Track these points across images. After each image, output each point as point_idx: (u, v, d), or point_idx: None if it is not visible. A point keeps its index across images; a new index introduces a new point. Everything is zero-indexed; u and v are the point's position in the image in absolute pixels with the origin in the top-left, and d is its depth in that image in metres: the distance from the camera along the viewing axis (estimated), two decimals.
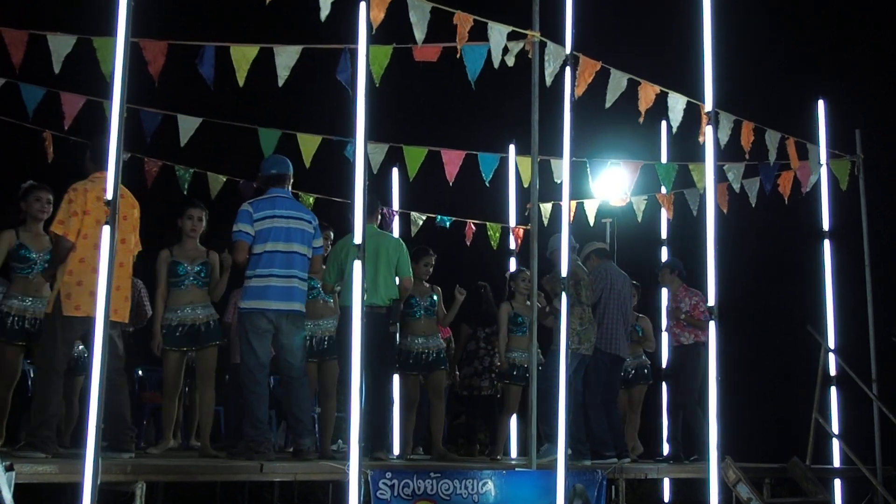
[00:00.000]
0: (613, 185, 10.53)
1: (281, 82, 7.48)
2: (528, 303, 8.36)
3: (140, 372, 10.75)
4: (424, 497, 6.59)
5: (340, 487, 6.14)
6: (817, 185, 9.89)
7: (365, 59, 6.33)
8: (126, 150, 9.30)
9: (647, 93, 8.16)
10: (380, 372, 7.91)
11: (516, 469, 7.50)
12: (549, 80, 7.62)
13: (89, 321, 6.25)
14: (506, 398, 9.61)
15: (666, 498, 9.86)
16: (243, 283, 7.31)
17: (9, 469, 5.12)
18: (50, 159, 9.67)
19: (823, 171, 9.86)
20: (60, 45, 7.38)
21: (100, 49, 7.21)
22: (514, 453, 10.21)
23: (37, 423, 6.34)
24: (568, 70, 7.41)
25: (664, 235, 10.79)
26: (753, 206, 10.07)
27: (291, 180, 7.59)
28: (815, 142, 9.81)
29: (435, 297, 9.05)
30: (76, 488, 5.12)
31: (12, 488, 5.08)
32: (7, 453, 6.08)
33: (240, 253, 7.18)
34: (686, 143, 9.23)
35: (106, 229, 5.38)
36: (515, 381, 9.39)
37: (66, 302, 6.41)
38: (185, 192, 9.85)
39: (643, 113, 8.17)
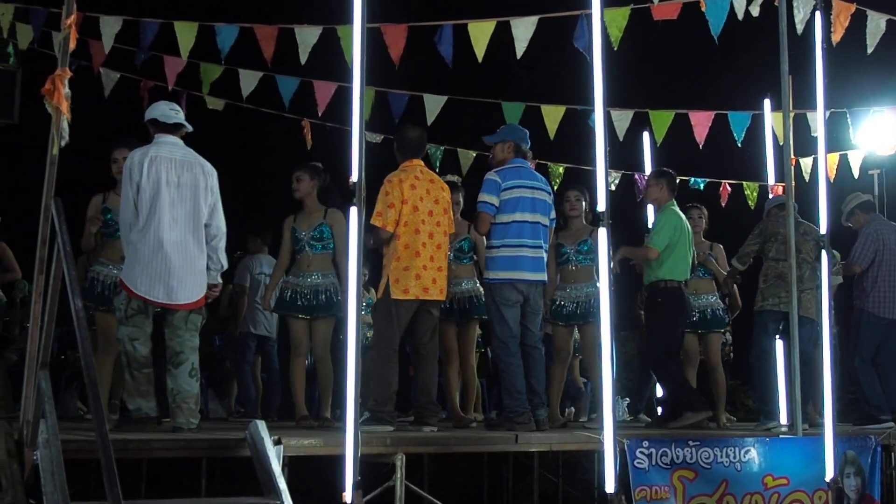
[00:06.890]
0: (879, 133, 9.88)
1: (519, 54, 7.51)
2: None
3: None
4: (684, 465, 6.45)
5: (602, 457, 6.08)
6: None
7: (600, 24, 6.22)
8: (378, 132, 9.73)
9: None
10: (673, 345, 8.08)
11: (781, 436, 7.20)
12: (799, 29, 7.27)
13: (416, 303, 6.72)
14: None
15: None
16: (488, 253, 7.22)
17: (277, 443, 5.39)
18: (309, 146, 10.13)
19: None
20: (307, 37, 7.69)
21: (343, 37, 7.45)
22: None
23: (382, 399, 6.60)
24: (818, 15, 7.05)
25: None
26: None
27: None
28: None
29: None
30: (339, 461, 5.31)
31: (282, 461, 5.35)
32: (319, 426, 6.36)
33: (483, 224, 7.10)
34: None
35: (353, 210, 5.49)
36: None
37: (394, 286, 6.65)
38: (438, 170, 10.02)
39: None
